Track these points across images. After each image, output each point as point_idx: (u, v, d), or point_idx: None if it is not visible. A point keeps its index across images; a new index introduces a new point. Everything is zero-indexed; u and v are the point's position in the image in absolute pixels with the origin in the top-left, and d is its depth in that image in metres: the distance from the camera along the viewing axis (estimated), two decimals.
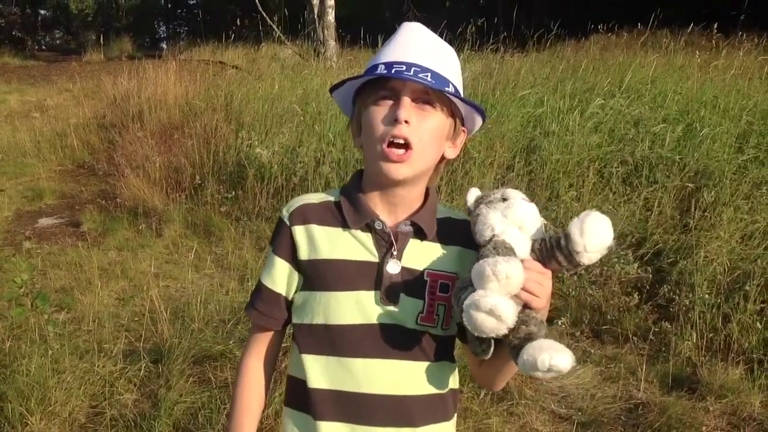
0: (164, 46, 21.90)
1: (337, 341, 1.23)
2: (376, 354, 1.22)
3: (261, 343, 1.36)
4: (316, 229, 1.27)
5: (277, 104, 7.42)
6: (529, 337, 1.07)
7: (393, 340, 1.23)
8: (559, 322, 4.07)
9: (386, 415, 1.23)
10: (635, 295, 4.20)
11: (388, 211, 1.28)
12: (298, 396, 1.28)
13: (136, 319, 4.03)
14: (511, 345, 1.09)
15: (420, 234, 1.26)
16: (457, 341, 1.32)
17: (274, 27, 12.71)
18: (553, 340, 1.06)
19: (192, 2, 32.23)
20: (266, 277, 1.32)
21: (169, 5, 31.91)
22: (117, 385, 3.24)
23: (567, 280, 4.29)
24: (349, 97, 1.31)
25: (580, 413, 3.34)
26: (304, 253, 1.27)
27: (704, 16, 10.12)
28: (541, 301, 1.11)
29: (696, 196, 5.00)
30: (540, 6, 17.98)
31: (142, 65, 10.01)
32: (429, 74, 1.19)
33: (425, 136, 1.21)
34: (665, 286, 4.22)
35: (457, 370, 1.34)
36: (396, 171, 1.20)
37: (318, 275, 1.25)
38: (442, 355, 1.28)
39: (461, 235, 1.25)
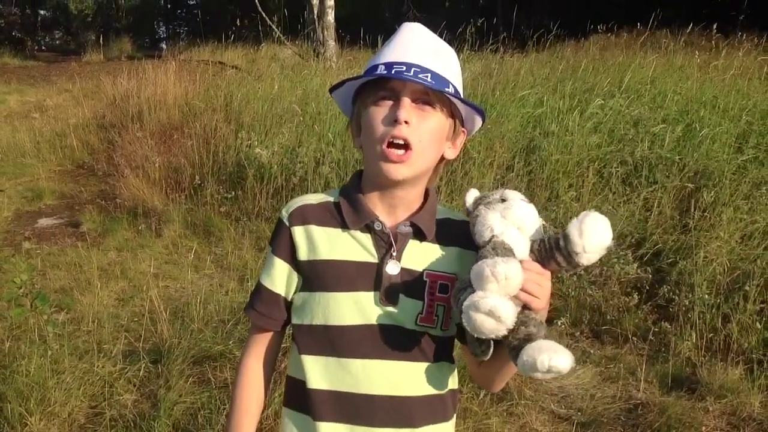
0: (164, 46, 21.91)
1: (337, 342, 1.23)
2: (375, 355, 1.22)
3: (260, 344, 1.36)
4: (315, 229, 1.27)
5: (277, 104, 7.42)
6: (529, 338, 1.07)
7: (392, 340, 1.23)
8: (559, 323, 4.07)
9: (386, 416, 1.23)
10: (635, 296, 4.20)
11: (388, 212, 1.28)
12: (298, 397, 1.28)
13: (136, 319, 4.03)
14: (511, 346, 1.09)
15: (419, 235, 1.26)
16: (457, 342, 1.32)
17: (274, 27, 12.72)
18: (552, 340, 1.06)
19: (192, 2, 32.26)
20: (265, 277, 1.32)
21: (169, 5, 31.91)
22: (116, 386, 3.24)
23: (567, 281, 4.29)
24: (349, 97, 1.31)
25: (579, 413, 3.34)
26: (303, 254, 1.27)
27: (704, 16, 10.13)
28: (541, 302, 1.11)
29: (696, 196, 5.00)
30: (540, 6, 17.98)
31: (141, 65, 10.01)
32: (429, 75, 1.19)
33: (425, 136, 1.21)
34: (665, 286, 4.22)
35: (456, 370, 1.34)
36: (396, 171, 1.20)
37: (317, 276, 1.25)
38: (441, 355, 1.28)
39: (460, 235, 1.25)
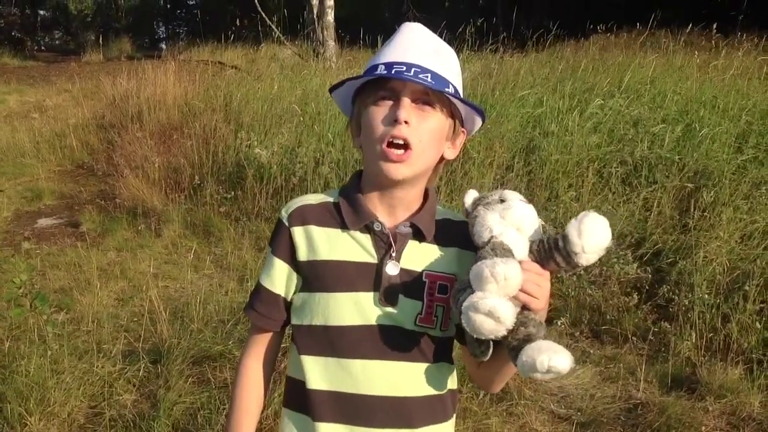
0: (163, 46, 21.92)
1: (336, 342, 1.23)
2: (375, 355, 1.22)
3: (260, 344, 1.36)
4: (315, 230, 1.27)
5: (277, 104, 7.42)
6: (528, 339, 1.07)
7: (392, 341, 1.23)
8: (559, 323, 4.06)
9: (385, 416, 1.23)
10: (634, 296, 4.20)
11: (387, 212, 1.28)
12: (297, 397, 1.28)
13: (135, 319, 4.03)
14: (510, 346, 1.09)
15: (419, 235, 1.26)
16: (456, 342, 1.32)
17: (274, 27, 12.71)
18: (551, 341, 1.06)
19: (191, 3, 32.26)
20: (265, 278, 1.32)
21: (168, 6, 31.92)
22: (116, 386, 3.24)
23: (566, 281, 4.29)
24: (349, 97, 1.31)
25: (579, 413, 3.34)
26: (303, 255, 1.27)
27: (703, 16, 10.14)
28: (540, 303, 1.11)
29: (695, 196, 5.00)
30: (539, 6, 17.99)
31: (141, 66, 10.01)
32: (429, 75, 1.19)
33: (425, 136, 1.21)
34: (664, 286, 4.22)
35: (455, 371, 1.34)
36: (395, 171, 1.20)
37: (317, 276, 1.25)
38: (440, 356, 1.28)
39: (459, 236, 1.25)
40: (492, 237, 1.14)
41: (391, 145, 1.19)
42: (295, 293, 1.30)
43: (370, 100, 1.23)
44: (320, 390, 1.24)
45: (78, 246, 5.40)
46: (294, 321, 1.30)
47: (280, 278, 1.30)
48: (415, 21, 1.34)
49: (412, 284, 1.23)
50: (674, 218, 4.97)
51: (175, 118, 8.13)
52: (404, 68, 1.19)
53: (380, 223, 1.26)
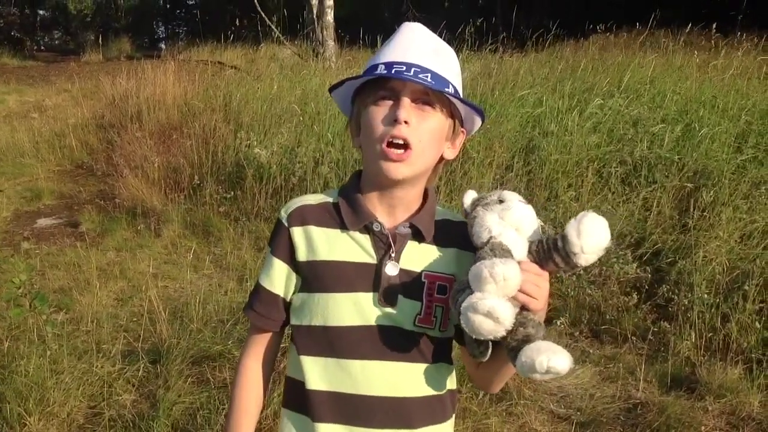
0: (163, 46, 21.90)
1: (336, 343, 1.23)
2: (374, 355, 1.22)
3: (259, 344, 1.36)
4: (314, 230, 1.27)
5: (276, 104, 7.42)
6: (527, 339, 1.07)
7: (391, 341, 1.23)
8: (558, 322, 4.06)
9: (384, 417, 1.23)
10: (634, 295, 4.20)
11: (387, 212, 1.28)
12: (297, 397, 1.28)
13: (135, 319, 4.02)
14: (509, 347, 1.09)
15: (418, 236, 1.26)
16: (455, 343, 1.32)
17: (273, 27, 12.71)
18: (550, 341, 1.06)
19: (191, 2, 32.26)
20: (264, 278, 1.32)
21: (168, 6, 31.91)
22: (115, 386, 3.24)
23: (566, 280, 4.29)
24: (348, 96, 1.31)
25: (578, 413, 3.34)
26: (302, 255, 1.27)
27: (703, 16, 10.14)
28: (539, 303, 1.11)
29: (695, 195, 5.00)
30: (539, 6, 17.98)
31: (140, 65, 10.00)
32: (429, 75, 1.19)
33: (425, 136, 1.21)
34: (664, 285, 4.22)
35: (454, 371, 1.34)
36: (395, 170, 1.20)
37: (316, 277, 1.25)
38: (439, 356, 1.28)
39: (459, 236, 1.25)
40: (491, 237, 1.14)
41: (391, 144, 1.19)
42: (294, 293, 1.30)
43: (370, 100, 1.23)
44: (319, 390, 1.24)
45: (77, 246, 5.40)
46: (293, 321, 1.30)
47: (279, 278, 1.30)
48: (414, 21, 1.34)
49: (412, 285, 1.23)
50: (674, 218, 4.97)
51: (174, 118, 8.13)
52: (404, 68, 1.19)
53: (379, 223, 1.25)
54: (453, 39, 8.08)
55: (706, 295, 3.96)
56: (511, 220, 1.15)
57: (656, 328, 4.03)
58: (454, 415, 1.34)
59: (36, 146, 8.48)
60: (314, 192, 1.41)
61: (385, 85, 1.21)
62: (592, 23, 10.97)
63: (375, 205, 1.27)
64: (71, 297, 4.36)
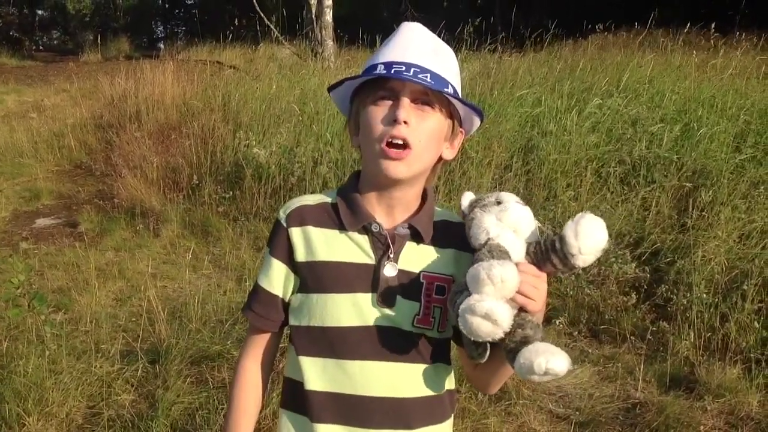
0: (162, 46, 21.89)
1: (335, 343, 1.23)
2: (373, 356, 1.22)
3: (258, 345, 1.36)
4: (313, 231, 1.27)
5: (275, 104, 7.41)
6: (526, 341, 1.07)
7: (390, 342, 1.22)
8: (557, 322, 4.06)
9: (383, 417, 1.23)
10: (633, 295, 4.21)
11: (386, 213, 1.28)
12: (295, 398, 1.28)
13: (134, 319, 4.02)
14: (508, 348, 1.09)
15: (417, 237, 1.26)
16: (453, 343, 1.32)
17: (272, 27, 12.70)
18: (549, 343, 1.06)
19: (189, 2, 32.25)
20: (263, 278, 1.31)
21: (167, 5, 31.89)
22: (114, 386, 3.24)
23: (565, 280, 4.29)
24: (347, 96, 1.31)
25: (577, 413, 3.34)
26: (300, 255, 1.27)
27: (702, 15, 10.15)
28: (537, 304, 1.10)
29: (693, 195, 5.00)
30: (538, 6, 17.99)
31: (139, 65, 9.99)
32: (428, 75, 1.19)
33: (424, 136, 1.21)
34: (663, 285, 4.22)
35: (453, 371, 1.34)
36: (395, 169, 1.20)
37: (315, 277, 1.25)
38: (438, 357, 1.28)
39: (457, 237, 1.24)
40: (489, 239, 1.14)
41: (390, 145, 1.19)
42: (293, 294, 1.30)
43: (369, 100, 1.23)
44: (318, 391, 1.24)
45: (76, 246, 5.40)
46: (292, 322, 1.30)
47: (278, 279, 1.30)
48: (413, 20, 1.34)
49: (410, 285, 1.23)
50: (672, 218, 4.97)
51: (173, 117, 8.12)
52: (403, 68, 1.19)
53: (378, 224, 1.25)
54: (452, 39, 8.09)
55: (704, 295, 3.96)
56: (508, 222, 1.15)
57: (655, 327, 4.03)
58: (452, 415, 1.34)
59: (35, 146, 8.47)
60: (313, 192, 1.41)
61: (384, 85, 1.21)
62: (590, 23, 10.96)
63: (374, 205, 1.27)
64: (70, 297, 4.36)
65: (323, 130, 6.37)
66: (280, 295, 1.30)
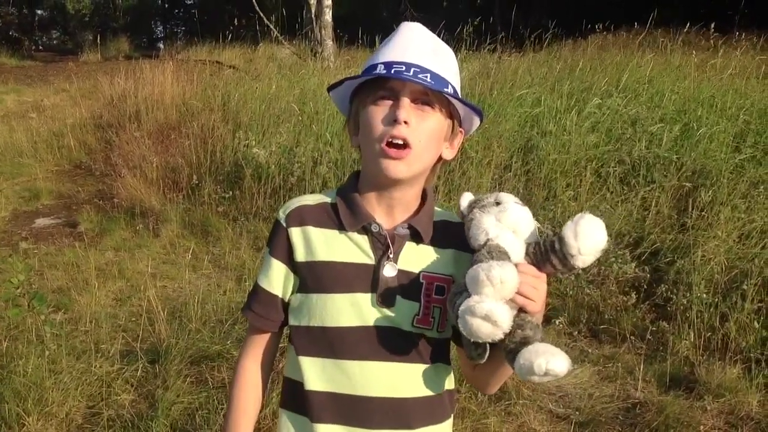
0: (161, 46, 21.91)
1: (334, 343, 1.23)
2: (372, 356, 1.22)
3: (258, 345, 1.36)
4: (312, 231, 1.27)
5: (275, 104, 7.41)
6: (525, 342, 1.07)
7: (389, 342, 1.22)
8: (557, 322, 4.07)
9: (383, 418, 1.23)
10: (633, 295, 4.21)
11: (386, 213, 1.28)
12: (295, 398, 1.28)
13: (134, 319, 4.02)
14: (507, 349, 1.09)
15: (416, 237, 1.26)
16: (452, 343, 1.32)
17: (272, 27, 12.70)
18: (549, 343, 1.06)
19: (189, 2, 32.23)
20: (263, 278, 1.31)
21: (166, 5, 31.87)
22: (114, 386, 3.24)
23: (564, 280, 4.29)
24: (347, 96, 1.31)
25: (577, 413, 3.34)
26: (300, 255, 1.27)
27: (701, 15, 10.15)
28: (537, 305, 1.10)
29: (693, 195, 5.00)
30: (538, 6, 17.99)
31: (139, 65, 9.98)
32: (428, 75, 1.18)
33: (424, 136, 1.21)
34: (663, 285, 4.22)
35: (452, 371, 1.34)
36: (395, 168, 1.20)
37: (314, 277, 1.25)
38: (437, 357, 1.28)
39: (457, 237, 1.24)
40: (488, 240, 1.14)
41: (390, 144, 1.19)
42: (292, 294, 1.30)
43: (369, 100, 1.23)
44: (318, 391, 1.24)
45: (76, 246, 5.40)
46: (292, 322, 1.30)
47: (277, 279, 1.30)
48: (413, 20, 1.34)
49: (410, 285, 1.23)
50: (672, 217, 4.97)
51: (173, 117, 8.12)
52: (403, 68, 1.18)
53: (377, 224, 1.25)
54: (451, 39, 8.10)
55: (704, 295, 3.96)
56: (508, 222, 1.15)
57: (655, 327, 4.03)
58: (452, 415, 1.34)
59: (34, 146, 8.47)
60: (312, 192, 1.40)
61: (384, 84, 1.21)
62: (590, 23, 10.96)
63: (373, 205, 1.27)
64: (70, 297, 4.36)
65: (323, 130, 6.37)
66: (280, 295, 1.30)
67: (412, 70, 1.18)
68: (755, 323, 3.83)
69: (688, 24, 9.37)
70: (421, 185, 1.29)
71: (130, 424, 2.98)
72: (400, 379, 1.24)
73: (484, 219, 1.16)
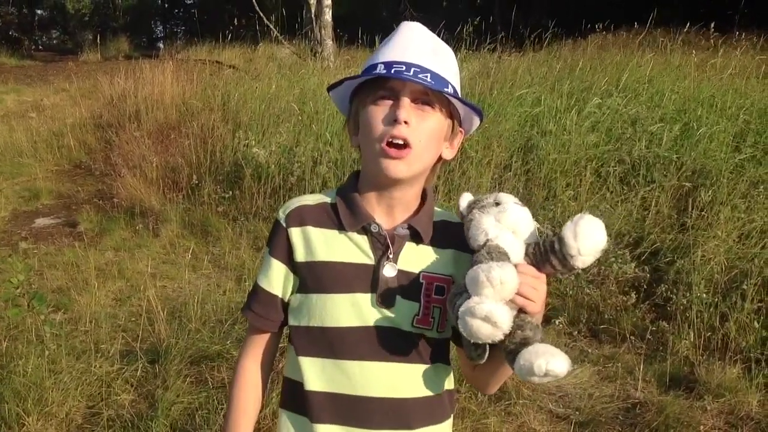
0: (161, 45, 21.91)
1: (334, 344, 1.23)
2: (372, 357, 1.22)
3: (257, 345, 1.36)
4: (312, 231, 1.27)
5: (274, 104, 7.41)
6: (525, 342, 1.07)
7: (389, 342, 1.22)
8: (557, 322, 4.07)
9: (383, 418, 1.23)
10: (632, 295, 4.21)
11: (386, 212, 1.28)
12: (295, 398, 1.28)
13: (133, 319, 4.02)
14: (507, 350, 1.09)
15: (416, 237, 1.26)
16: (452, 344, 1.32)
17: (271, 27, 12.70)
18: (548, 344, 1.06)
19: (189, 2, 32.23)
20: (263, 278, 1.31)
21: (166, 5, 31.87)
22: (114, 386, 3.24)
23: (564, 280, 4.29)
24: (346, 96, 1.30)
25: (577, 413, 3.34)
26: (300, 255, 1.26)
27: (701, 15, 10.15)
28: (536, 306, 1.10)
29: (693, 195, 5.00)
30: (538, 5, 17.98)
31: (138, 65, 9.98)
32: (428, 75, 1.18)
33: (424, 136, 1.21)
34: (662, 285, 4.22)
35: (452, 371, 1.34)
36: (395, 168, 1.20)
37: (314, 277, 1.25)
38: (437, 357, 1.28)
39: (456, 238, 1.24)
40: (487, 240, 1.14)
41: (390, 144, 1.19)
42: (292, 294, 1.30)
43: (369, 100, 1.22)
44: (318, 391, 1.24)
45: (75, 246, 5.40)
46: (291, 322, 1.30)
47: (277, 279, 1.30)
48: (413, 20, 1.34)
49: (409, 286, 1.23)
50: (672, 217, 4.97)
51: (172, 117, 8.12)
52: (404, 68, 1.18)
53: (377, 224, 1.25)
54: (451, 38, 8.09)
55: (704, 295, 3.96)
56: (507, 223, 1.15)
57: (655, 327, 4.03)
58: (452, 415, 1.34)
59: (34, 146, 8.47)
60: (312, 192, 1.40)
61: (384, 84, 1.21)
62: (590, 22, 10.95)
63: (373, 205, 1.27)
64: (69, 297, 4.36)
65: (323, 130, 6.37)
66: (280, 295, 1.30)
67: (412, 69, 1.18)
68: (755, 323, 3.83)
69: (688, 24, 9.37)
70: (421, 185, 1.29)
71: (129, 424, 2.98)
72: (400, 380, 1.24)
73: (483, 219, 1.16)
